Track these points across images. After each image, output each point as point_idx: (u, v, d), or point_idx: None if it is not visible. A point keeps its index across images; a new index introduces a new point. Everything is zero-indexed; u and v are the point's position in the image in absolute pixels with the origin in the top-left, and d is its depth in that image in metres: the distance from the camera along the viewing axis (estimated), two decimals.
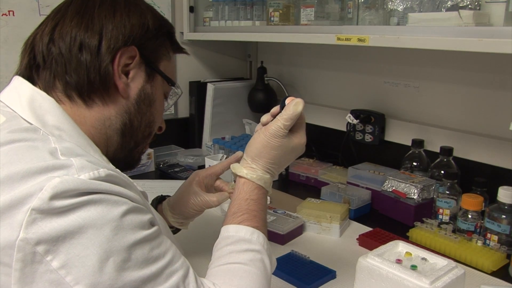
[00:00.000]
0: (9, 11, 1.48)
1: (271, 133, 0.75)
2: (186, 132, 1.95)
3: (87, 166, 0.56)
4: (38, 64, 0.68)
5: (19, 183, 0.52)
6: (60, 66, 0.67)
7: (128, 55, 0.70)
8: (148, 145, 0.81)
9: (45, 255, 0.50)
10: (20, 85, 0.67)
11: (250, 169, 0.77)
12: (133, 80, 0.72)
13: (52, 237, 0.50)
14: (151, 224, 0.60)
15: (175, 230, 1.00)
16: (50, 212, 0.51)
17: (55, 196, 0.51)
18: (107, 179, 0.56)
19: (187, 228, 0.99)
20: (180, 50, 0.83)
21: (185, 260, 0.63)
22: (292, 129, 0.77)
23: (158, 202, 1.00)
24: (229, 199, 0.92)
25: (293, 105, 0.74)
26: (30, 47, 0.69)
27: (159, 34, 0.74)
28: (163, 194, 1.03)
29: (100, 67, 0.67)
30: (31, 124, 0.63)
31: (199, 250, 0.98)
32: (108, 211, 0.54)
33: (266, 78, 1.84)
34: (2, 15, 1.47)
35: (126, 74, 0.71)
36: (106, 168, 0.58)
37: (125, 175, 0.62)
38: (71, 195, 0.52)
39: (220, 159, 1.51)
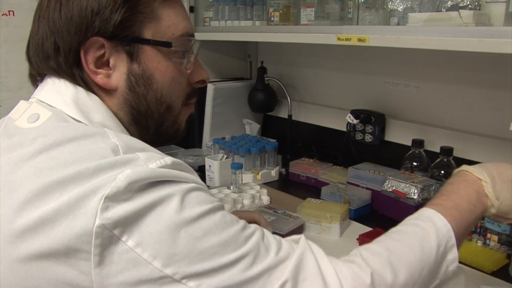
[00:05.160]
0: (9, 11, 1.48)
1: None
2: (186, 132, 1.93)
3: (153, 157, 0.56)
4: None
5: (90, 178, 0.52)
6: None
7: (94, 47, 0.63)
8: (188, 109, 0.81)
9: (121, 236, 0.51)
10: (59, 84, 0.65)
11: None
12: (116, 68, 0.65)
13: (126, 219, 0.51)
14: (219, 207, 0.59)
15: None
16: (123, 199, 0.51)
17: (127, 186, 0.51)
18: (173, 166, 0.57)
19: None
20: None
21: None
22: None
23: None
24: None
25: None
26: None
27: (118, 4, 0.63)
28: None
29: (70, 72, 0.64)
30: (79, 121, 0.62)
31: None
32: (176, 188, 0.55)
33: (266, 78, 1.84)
34: (2, 15, 1.47)
35: (107, 64, 0.65)
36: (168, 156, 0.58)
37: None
38: (143, 184, 0.53)
39: (220, 159, 1.52)
